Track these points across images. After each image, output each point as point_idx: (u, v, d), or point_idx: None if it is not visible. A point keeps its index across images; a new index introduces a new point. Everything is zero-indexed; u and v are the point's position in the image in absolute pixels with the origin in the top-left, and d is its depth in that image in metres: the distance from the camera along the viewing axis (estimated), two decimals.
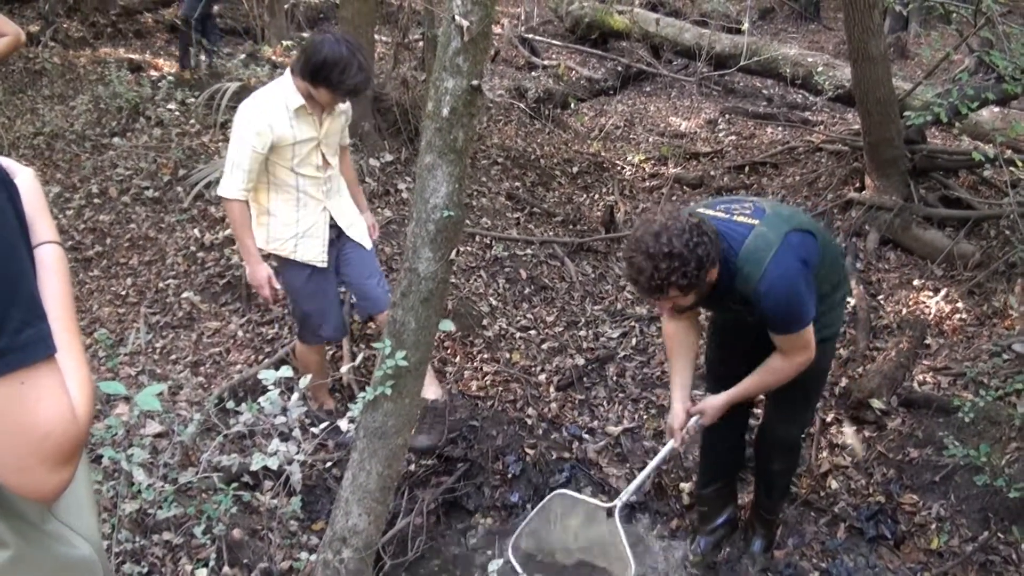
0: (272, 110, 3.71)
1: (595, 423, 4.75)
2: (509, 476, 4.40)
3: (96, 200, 6.31)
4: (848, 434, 4.56)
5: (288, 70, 3.78)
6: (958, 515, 3.94)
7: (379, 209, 6.16)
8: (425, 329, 2.76)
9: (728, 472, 3.96)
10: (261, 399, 3.20)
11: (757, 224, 2.98)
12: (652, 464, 3.46)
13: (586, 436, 4.66)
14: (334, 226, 4.11)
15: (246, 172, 3.73)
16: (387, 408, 2.84)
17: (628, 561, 3.16)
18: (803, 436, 3.99)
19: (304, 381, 3.10)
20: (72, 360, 1.28)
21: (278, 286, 4.04)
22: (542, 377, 5.06)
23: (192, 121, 7.04)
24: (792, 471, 3.98)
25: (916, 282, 5.98)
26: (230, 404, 3.61)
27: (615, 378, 5.14)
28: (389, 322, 2.79)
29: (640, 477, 3.47)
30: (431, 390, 4.40)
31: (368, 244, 4.23)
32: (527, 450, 4.51)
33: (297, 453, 3.36)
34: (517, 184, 7.52)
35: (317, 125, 3.83)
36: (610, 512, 3.35)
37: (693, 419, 3.39)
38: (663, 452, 3.45)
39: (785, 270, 2.90)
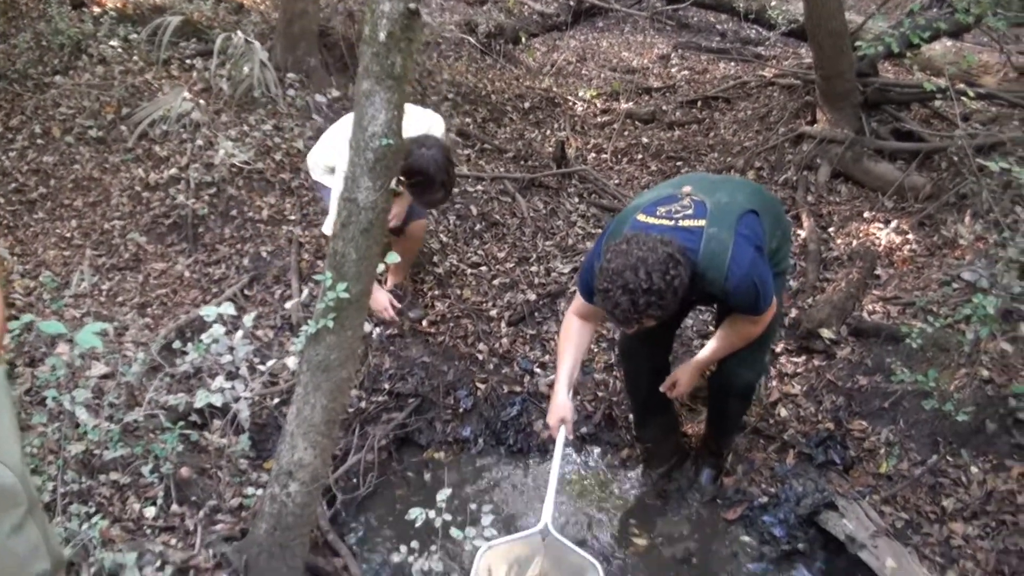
0: None
1: (546, 357, 4.75)
2: (460, 411, 4.41)
3: (39, 141, 6.14)
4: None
5: None
6: (907, 440, 3.99)
7: None
8: (366, 260, 2.71)
9: (660, 409, 3.96)
10: (203, 336, 3.17)
11: (705, 225, 3.00)
12: (555, 467, 3.24)
13: (537, 370, 4.66)
14: None
15: None
16: (330, 341, 2.80)
17: (589, 563, 3.07)
18: (760, 380, 4.02)
19: (248, 319, 3.06)
20: None
21: (399, 305, 4.42)
22: (493, 313, 5.04)
23: (135, 58, 6.84)
24: (746, 411, 4.02)
25: (867, 214, 6.00)
26: (176, 344, 3.56)
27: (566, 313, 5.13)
28: (329, 254, 2.75)
29: (551, 486, 3.20)
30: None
31: None
32: (478, 384, 4.51)
33: (244, 391, 3.34)
34: (468, 120, 7.43)
35: None
36: (544, 534, 3.12)
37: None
38: (559, 447, 3.32)
39: (747, 264, 2.97)
